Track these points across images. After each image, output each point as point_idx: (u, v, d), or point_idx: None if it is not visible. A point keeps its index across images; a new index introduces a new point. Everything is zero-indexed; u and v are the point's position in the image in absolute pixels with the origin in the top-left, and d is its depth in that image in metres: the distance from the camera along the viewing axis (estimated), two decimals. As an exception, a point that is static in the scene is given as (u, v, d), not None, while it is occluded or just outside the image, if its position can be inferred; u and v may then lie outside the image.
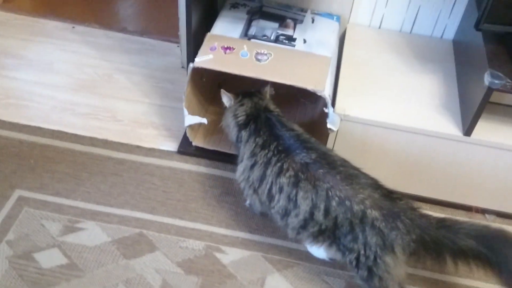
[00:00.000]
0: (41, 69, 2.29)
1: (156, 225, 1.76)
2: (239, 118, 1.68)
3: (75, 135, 2.02)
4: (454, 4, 1.97)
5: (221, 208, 1.84)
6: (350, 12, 2.05)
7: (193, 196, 1.86)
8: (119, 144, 2.01)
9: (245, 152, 1.63)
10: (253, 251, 1.72)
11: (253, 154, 1.59)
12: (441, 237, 1.42)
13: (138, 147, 2.00)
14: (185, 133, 1.99)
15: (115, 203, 1.81)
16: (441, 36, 2.06)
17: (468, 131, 1.66)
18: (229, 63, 1.73)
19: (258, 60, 1.75)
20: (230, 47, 1.78)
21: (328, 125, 1.70)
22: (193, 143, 1.98)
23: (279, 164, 1.52)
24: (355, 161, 1.54)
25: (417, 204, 1.48)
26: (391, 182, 1.75)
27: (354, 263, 1.47)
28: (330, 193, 1.44)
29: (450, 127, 1.70)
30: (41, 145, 1.97)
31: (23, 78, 2.24)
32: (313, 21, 1.97)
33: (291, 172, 1.50)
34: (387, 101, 1.77)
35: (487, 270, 1.45)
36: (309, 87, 1.66)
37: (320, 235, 1.50)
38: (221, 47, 1.78)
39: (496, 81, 1.53)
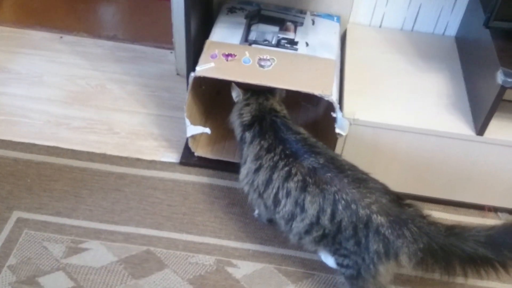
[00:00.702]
0: (30, 82, 2.21)
1: (163, 241, 1.70)
2: (244, 118, 1.64)
3: (72, 151, 1.94)
4: (456, 0, 1.93)
5: (229, 220, 1.78)
6: (350, 12, 2.01)
7: (199, 208, 1.80)
8: (118, 158, 1.94)
9: (248, 154, 1.58)
10: (266, 264, 1.67)
11: (258, 157, 1.55)
12: (450, 246, 1.38)
13: (138, 160, 1.94)
14: (186, 143, 1.93)
15: (119, 220, 1.75)
16: (443, 33, 2.03)
17: (481, 131, 1.63)
18: (231, 71, 1.67)
19: (261, 66, 1.69)
20: (232, 54, 1.72)
21: (337, 130, 1.65)
22: (196, 154, 1.92)
23: (286, 169, 1.48)
24: (365, 165, 1.50)
25: (426, 211, 1.44)
26: (402, 184, 1.73)
27: (347, 263, 1.45)
28: (337, 196, 1.40)
29: (462, 127, 1.66)
30: (37, 162, 1.89)
31: (12, 92, 2.16)
32: (313, 23, 1.92)
33: (299, 177, 1.46)
34: (395, 103, 1.74)
35: (498, 275, 1.42)
36: (317, 92, 1.62)
37: (322, 240, 1.47)
38: (222, 54, 1.72)
39: (509, 80, 1.50)
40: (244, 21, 1.90)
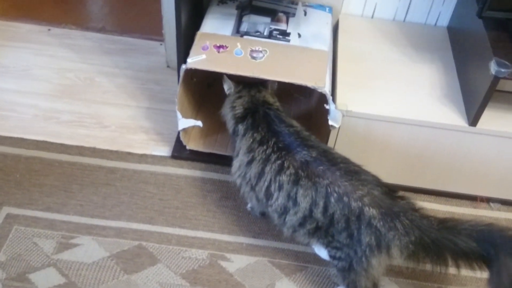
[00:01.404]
0: (18, 76, 2.17)
1: (155, 235, 1.68)
2: (237, 111, 1.63)
3: (62, 145, 1.92)
4: (448, -10, 1.93)
5: (222, 213, 1.77)
6: (342, 3, 1.99)
7: (191, 202, 1.79)
8: (108, 152, 1.91)
9: (241, 146, 1.57)
10: (259, 257, 1.66)
11: (250, 150, 1.53)
12: (442, 239, 1.37)
13: (129, 153, 1.91)
14: (178, 137, 1.91)
15: (110, 215, 1.73)
16: (435, 24, 2.02)
17: (473, 121, 1.62)
18: (223, 63, 1.65)
19: (253, 58, 1.67)
20: (223, 46, 1.70)
21: (330, 122, 1.64)
22: (187, 147, 1.90)
23: (279, 162, 1.47)
24: (358, 156, 1.49)
25: (419, 204, 1.43)
26: (394, 176, 1.73)
27: (339, 256, 1.44)
28: (329, 189, 1.39)
29: (455, 118, 1.66)
30: (26, 157, 1.86)
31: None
32: (305, 14, 1.90)
33: (291, 170, 1.45)
34: (388, 94, 1.72)
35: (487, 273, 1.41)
36: (310, 84, 1.60)
37: (315, 232, 1.46)
38: (214, 46, 1.70)
39: (503, 70, 1.49)
40: (235, 12, 1.87)
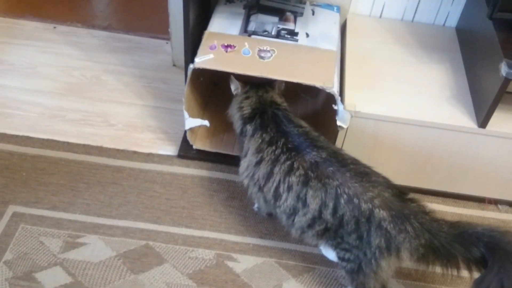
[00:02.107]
0: (24, 74, 2.17)
1: (162, 235, 1.68)
2: (245, 111, 1.62)
3: (68, 143, 1.91)
4: (457, -10, 1.92)
5: (229, 213, 1.76)
6: (350, 2, 1.98)
7: (198, 202, 1.78)
8: (115, 151, 1.91)
9: (249, 147, 1.56)
10: (266, 258, 1.66)
11: (259, 150, 1.52)
12: (452, 243, 1.36)
13: (135, 152, 1.91)
14: (184, 136, 1.90)
15: (116, 214, 1.72)
16: (444, 24, 2.01)
17: (483, 123, 1.61)
18: (231, 62, 1.64)
19: (261, 57, 1.66)
20: (231, 45, 1.69)
21: (338, 123, 1.63)
22: (194, 146, 1.89)
23: (288, 163, 1.46)
24: (366, 157, 1.49)
25: (430, 207, 1.42)
26: (402, 177, 1.72)
27: (348, 258, 1.44)
28: (339, 190, 1.39)
29: (464, 120, 1.65)
30: (32, 156, 1.86)
31: (5, 84, 2.11)
32: (313, 13, 1.89)
33: (301, 171, 1.44)
34: (397, 95, 1.72)
35: None
36: (318, 84, 1.59)
37: (324, 234, 1.45)
38: (222, 45, 1.69)
39: (513, 71, 1.48)
40: (243, 11, 1.87)
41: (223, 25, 1.79)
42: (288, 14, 1.87)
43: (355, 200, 1.37)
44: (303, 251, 1.68)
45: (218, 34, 1.74)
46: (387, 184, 1.42)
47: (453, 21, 2.00)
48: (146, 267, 1.60)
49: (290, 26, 1.82)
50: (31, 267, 1.57)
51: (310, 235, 1.48)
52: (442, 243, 1.35)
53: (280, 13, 1.87)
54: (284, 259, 1.66)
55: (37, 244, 1.62)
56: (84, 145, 1.91)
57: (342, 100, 1.67)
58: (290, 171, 1.45)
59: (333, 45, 1.76)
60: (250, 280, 1.60)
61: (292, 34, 1.78)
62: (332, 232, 1.43)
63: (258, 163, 1.52)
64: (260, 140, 1.53)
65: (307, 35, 1.78)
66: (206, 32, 1.75)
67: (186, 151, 1.90)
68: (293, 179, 1.45)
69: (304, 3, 1.93)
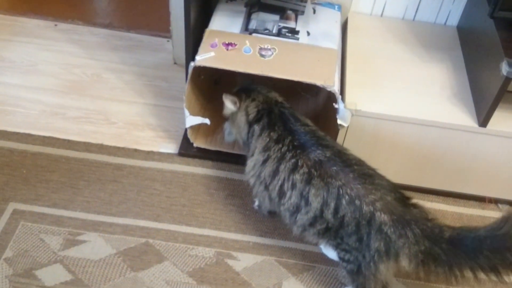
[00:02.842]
0: (25, 71, 2.17)
1: (162, 233, 1.68)
2: (251, 115, 1.60)
3: (68, 141, 1.91)
4: (458, -11, 1.92)
5: (229, 211, 1.76)
6: (351, 1, 1.98)
7: (198, 200, 1.78)
8: (115, 149, 1.91)
9: (257, 146, 1.56)
10: (266, 256, 1.66)
11: (266, 149, 1.52)
12: (453, 250, 1.35)
13: (136, 150, 1.91)
14: (185, 134, 1.90)
15: (116, 212, 1.72)
16: (445, 23, 2.01)
17: (483, 122, 1.61)
18: (232, 61, 1.64)
19: (262, 56, 1.66)
20: (232, 43, 1.69)
21: (339, 121, 1.63)
22: (195, 144, 1.89)
23: (293, 160, 1.46)
24: (367, 156, 1.48)
25: (432, 214, 1.41)
26: (402, 175, 1.72)
27: (348, 258, 1.44)
28: (341, 191, 1.38)
29: (465, 119, 1.65)
30: (33, 153, 1.86)
31: (6, 82, 2.12)
32: (314, 12, 1.89)
33: (305, 169, 1.44)
34: (398, 93, 1.71)
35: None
36: (319, 83, 1.59)
37: (325, 233, 1.45)
38: (222, 44, 1.69)
39: (514, 70, 1.48)
40: (244, 9, 1.87)
41: (224, 23, 1.79)
42: (289, 12, 1.87)
43: (357, 202, 1.36)
44: (303, 250, 1.68)
45: (219, 32, 1.74)
46: (390, 187, 1.41)
47: (454, 20, 2.00)
48: (146, 264, 1.60)
49: (291, 24, 1.82)
50: (31, 264, 1.57)
51: (311, 233, 1.48)
52: (443, 250, 1.35)
53: (281, 12, 1.87)
54: (284, 258, 1.66)
55: (37, 241, 1.62)
56: (84, 143, 1.91)
57: (343, 99, 1.67)
58: (294, 168, 1.45)
59: (334, 44, 1.76)
60: (250, 278, 1.60)
61: (293, 32, 1.78)
62: (332, 232, 1.43)
63: (265, 161, 1.52)
64: (267, 139, 1.53)
65: (308, 33, 1.78)
66: (207, 30, 1.75)
67: (187, 149, 1.90)
68: (297, 176, 1.44)
69: (305, 2, 1.93)
